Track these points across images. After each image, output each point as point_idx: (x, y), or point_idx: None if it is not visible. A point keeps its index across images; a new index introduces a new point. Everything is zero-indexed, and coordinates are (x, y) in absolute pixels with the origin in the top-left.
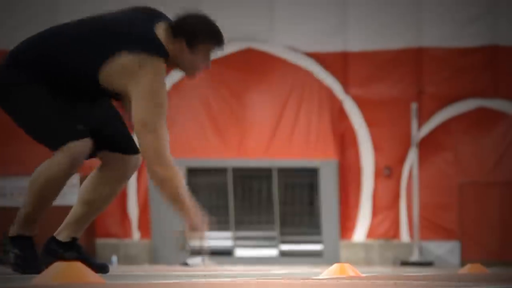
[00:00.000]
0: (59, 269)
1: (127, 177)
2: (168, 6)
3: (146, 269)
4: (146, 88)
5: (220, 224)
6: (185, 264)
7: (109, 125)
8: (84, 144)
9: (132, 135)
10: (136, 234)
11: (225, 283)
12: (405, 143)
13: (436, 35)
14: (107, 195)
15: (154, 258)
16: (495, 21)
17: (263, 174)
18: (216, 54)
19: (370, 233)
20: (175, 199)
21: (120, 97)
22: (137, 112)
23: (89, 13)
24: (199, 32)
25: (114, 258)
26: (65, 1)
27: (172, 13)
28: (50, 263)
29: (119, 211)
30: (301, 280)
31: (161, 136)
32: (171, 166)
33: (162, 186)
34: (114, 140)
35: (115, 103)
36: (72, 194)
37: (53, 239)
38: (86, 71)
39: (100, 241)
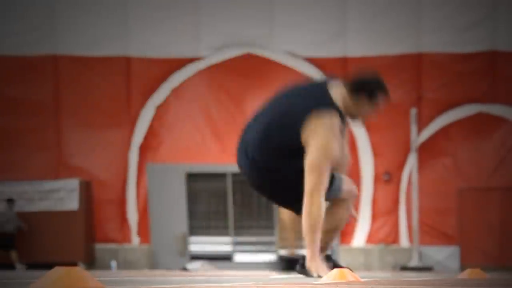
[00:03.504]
0: (58, 274)
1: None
2: (170, 9)
3: (146, 274)
4: (318, 136)
5: (219, 229)
6: (185, 269)
7: None
8: None
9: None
10: (135, 239)
11: None
12: (405, 148)
13: (436, 40)
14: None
15: (153, 263)
16: (494, 27)
17: None
18: (217, 57)
19: (370, 238)
20: (304, 232)
21: None
22: (307, 155)
23: (85, 24)
24: (378, 90)
25: (114, 263)
26: (61, 9)
27: (171, 15)
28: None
29: (118, 217)
30: (300, 285)
31: (319, 179)
32: (315, 204)
33: (304, 215)
34: None
35: None
36: (70, 200)
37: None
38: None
39: (99, 246)
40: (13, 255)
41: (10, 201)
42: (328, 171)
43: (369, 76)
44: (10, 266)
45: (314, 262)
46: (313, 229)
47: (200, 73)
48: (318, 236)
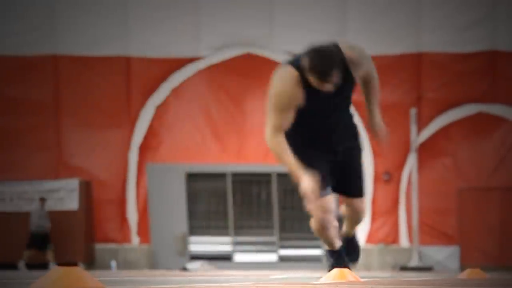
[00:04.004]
0: (58, 274)
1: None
2: (170, 9)
3: (146, 274)
4: (271, 87)
5: (219, 229)
6: (185, 269)
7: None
8: None
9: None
10: (135, 239)
11: None
12: (404, 148)
13: (436, 40)
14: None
15: (153, 263)
16: (494, 26)
17: (262, 179)
18: (217, 57)
19: (370, 238)
20: (281, 163)
21: None
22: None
23: (85, 23)
24: (307, 68)
25: (114, 263)
26: (61, 9)
27: (171, 15)
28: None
29: (118, 216)
30: (301, 285)
31: (270, 121)
32: (269, 140)
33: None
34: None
35: None
36: (70, 200)
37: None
38: None
39: (99, 246)
40: (50, 254)
41: (42, 200)
42: (280, 113)
43: (311, 53)
44: (45, 266)
45: (299, 177)
46: (280, 156)
47: (200, 73)
48: (289, 158)
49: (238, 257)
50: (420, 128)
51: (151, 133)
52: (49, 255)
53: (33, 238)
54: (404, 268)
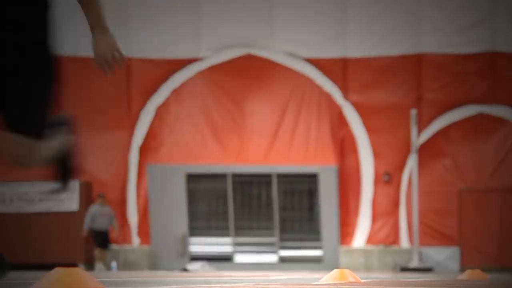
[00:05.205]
0: (58, 275)
1: None
2: (170, 9)
3: (146, 275)
4: None
5: (219, 230)
6: (185, 270)
7: None
8: None
9: None
10: (135, 240)
11: None
12: (405, 149)
13: (436, 41)
14: None
15: (154, 264)
16: (494, 27)
17: (262, 180)
18: (217, 58)
19: (370, 239)
20: None
21: None
22: None
23: (85, 24)
24: None
25: (114, 264)
26: (61, 9)
27: (172, 16)
28: None
29: (118, 218)
30: (301, 286)
31: None
32: None
33: None
34: None
35: None
36: (71, 200)
37: None
38: None
39: None
40: (108, 253)
41: (101, 197)
42: None
43: None
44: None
45: None
46: None
47: (200, 74)
48: None
49: (239, 258)
50: (420, 129)
51: (152, 134)
52: (107, 255)
53: (96, 236)
54: (404, 269)
